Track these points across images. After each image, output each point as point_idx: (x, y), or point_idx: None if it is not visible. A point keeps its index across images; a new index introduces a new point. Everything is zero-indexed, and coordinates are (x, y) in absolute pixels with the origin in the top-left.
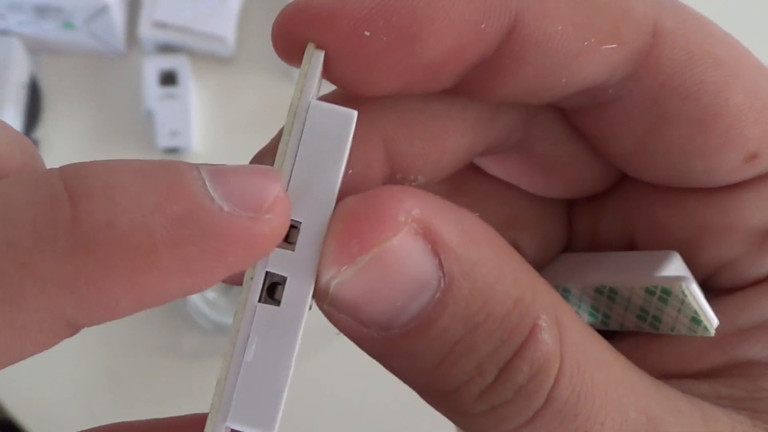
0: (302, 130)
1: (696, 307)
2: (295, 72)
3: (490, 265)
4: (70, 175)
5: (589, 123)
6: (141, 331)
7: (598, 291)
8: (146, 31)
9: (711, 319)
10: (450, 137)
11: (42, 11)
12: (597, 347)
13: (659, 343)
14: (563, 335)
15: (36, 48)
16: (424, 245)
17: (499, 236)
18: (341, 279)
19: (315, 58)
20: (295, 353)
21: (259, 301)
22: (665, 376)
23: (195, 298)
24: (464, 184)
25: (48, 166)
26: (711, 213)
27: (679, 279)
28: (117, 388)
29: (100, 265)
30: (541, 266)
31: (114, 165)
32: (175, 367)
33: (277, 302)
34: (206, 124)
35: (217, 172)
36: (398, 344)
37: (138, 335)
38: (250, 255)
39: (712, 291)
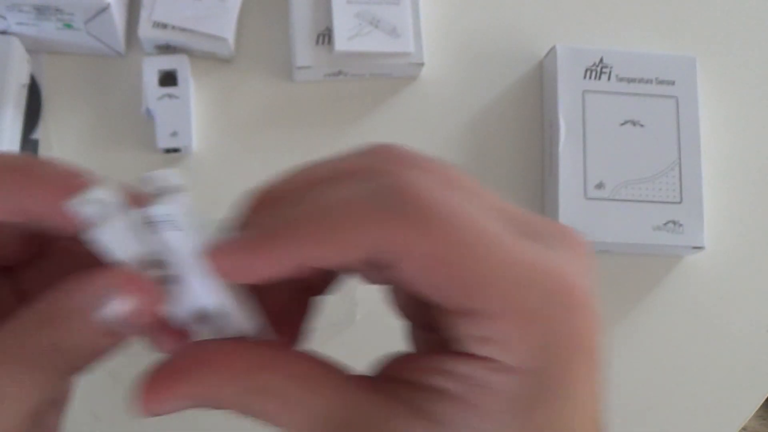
0: None
1: None
2: (296, 73)
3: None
4: None
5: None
6: None
7: None
8: (146, 32)
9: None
10: None
11: (42, 11)
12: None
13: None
14: None
15: (36, 48)
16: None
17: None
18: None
19: None
20: None
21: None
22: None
23: None
24: None
25: None
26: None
27: None
28: (120, 387)
29: None
30: None
31: None
32: None
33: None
34: (206, 124)
35: None
36: None
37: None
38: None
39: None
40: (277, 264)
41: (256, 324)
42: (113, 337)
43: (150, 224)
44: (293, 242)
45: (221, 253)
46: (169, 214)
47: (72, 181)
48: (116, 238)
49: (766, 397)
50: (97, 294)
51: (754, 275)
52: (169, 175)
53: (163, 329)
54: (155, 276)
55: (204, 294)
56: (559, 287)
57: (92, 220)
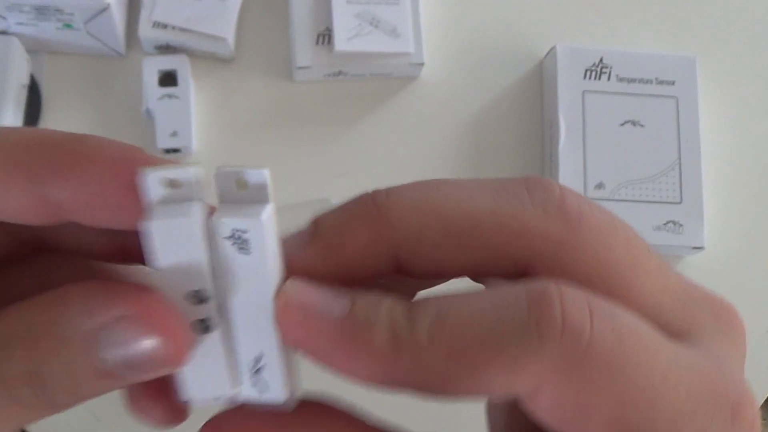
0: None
1: None
2: (296, 73)
3: None
4: None
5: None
6: None
7: None
8: (146, 32)
9: None
10: None
11: (42, 11)
12: None
13: None
14: None
15: (36, 48)
16: None
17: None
18: None
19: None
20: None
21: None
22: None
23: None
24: None
25: None
26: None
27: None
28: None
29: None
30: None
31: None
32: None
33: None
34: (206, 124)
35: None
36: None
37: None
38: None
39: None
40: (369, 374)
41: (291, 392)
42: (109, 381)
43: (212, 239)
44: (404, 363)
45: (297, 314)
46: (240, 230)
47: (136, 156)
48: (174, 244)
49: (766, 397)
50: (111, 321)
51: (754, 275)
52: (255, 175)
53: (159, 394)
54: (192, 315)
55: (246, 348)
56: (727, 412)
57: (157, 209)
